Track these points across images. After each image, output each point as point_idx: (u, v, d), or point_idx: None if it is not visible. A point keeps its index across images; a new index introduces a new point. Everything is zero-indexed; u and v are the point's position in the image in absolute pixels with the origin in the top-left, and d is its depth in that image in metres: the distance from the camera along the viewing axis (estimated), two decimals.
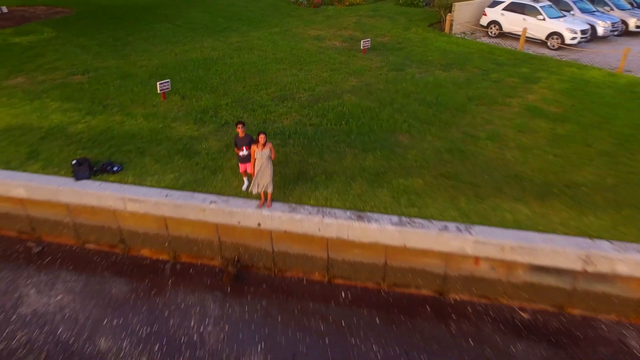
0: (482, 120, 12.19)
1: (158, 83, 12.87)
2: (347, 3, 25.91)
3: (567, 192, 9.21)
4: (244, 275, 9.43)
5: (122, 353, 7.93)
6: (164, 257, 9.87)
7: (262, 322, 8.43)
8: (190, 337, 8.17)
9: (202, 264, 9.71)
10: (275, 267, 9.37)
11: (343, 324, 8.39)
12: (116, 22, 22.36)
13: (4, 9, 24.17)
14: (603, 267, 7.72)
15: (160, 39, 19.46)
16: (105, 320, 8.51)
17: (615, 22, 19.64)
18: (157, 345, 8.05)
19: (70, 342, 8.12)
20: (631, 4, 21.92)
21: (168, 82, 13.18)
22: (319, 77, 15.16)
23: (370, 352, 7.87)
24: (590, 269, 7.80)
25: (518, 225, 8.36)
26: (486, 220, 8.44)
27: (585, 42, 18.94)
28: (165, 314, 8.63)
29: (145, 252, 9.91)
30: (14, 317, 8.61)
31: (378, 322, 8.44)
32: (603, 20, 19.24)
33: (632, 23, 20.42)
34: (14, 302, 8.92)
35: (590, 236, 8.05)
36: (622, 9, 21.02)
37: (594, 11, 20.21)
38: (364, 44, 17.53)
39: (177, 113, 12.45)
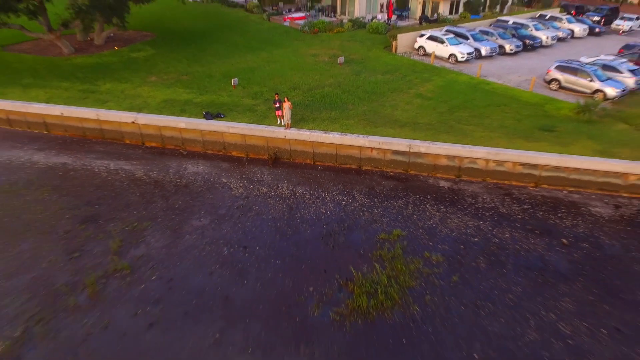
0: (390, 99, 24.97)
1: (232, 80, 25.73)
2: (335, 31, 38.64)
3: (413, 126, 21.97)
4: (277, 162, 22.18)
5: (241, 184, 20.64)
6: (241, 155, 22.62)
7: (286, 175, 21.15)
8: (258, 178, 20.88)
9: (259, 158, 22.47)
10: (291, 158, 22.11)
11: (318, 176, 21.13)
12: (187, 43, 35.25)
13: (112, 34, 36.89)
14: (415, 149, 20.41)
15: (220, 55, 32.37)
16: (222, 174, 21.27)
17: (494, 47, 32.37)
18: (246, 180, 20.79)
19: (210, 179, 20.83)
20: (513, 35, 34.64)
21: (236, 79, 26.03)
22: (312, 77, 28.00)
23: (327, 182, 20.57)
24: (411, 150, 20.49)
25: (389, 135, 21.07)
26: (375, 134, 21.16)
27: (474, 59, 31.68)
28: (247, 173, 21.38)
29: (234, 153, 22.68)
30: (205, 176, 21.41)
31: (333, 176, 21.15)
32: (485, 46, 31.97)
33: (507, 47, 33.15)
34: (183, 168, 21.69)
35: (413, 138, 20.76)
36: (504, 38, 33.75)
37: (482, 40, 32.93)
38: (340, 59, 30.33)
39: (242, 94, 25.32)
